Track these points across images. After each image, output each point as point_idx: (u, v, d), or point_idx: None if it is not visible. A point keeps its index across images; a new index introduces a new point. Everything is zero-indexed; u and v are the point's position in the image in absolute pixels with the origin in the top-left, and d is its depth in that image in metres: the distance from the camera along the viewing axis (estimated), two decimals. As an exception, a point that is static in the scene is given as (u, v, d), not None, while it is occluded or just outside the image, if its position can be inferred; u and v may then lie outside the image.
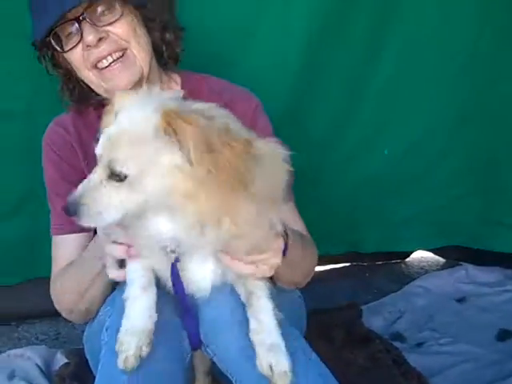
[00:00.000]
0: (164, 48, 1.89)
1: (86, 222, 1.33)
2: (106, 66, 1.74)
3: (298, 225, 1.88)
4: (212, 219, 1.31)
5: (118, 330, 1.44)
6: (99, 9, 1.72)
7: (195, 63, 2.02)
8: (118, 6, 1.73)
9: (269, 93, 2.04)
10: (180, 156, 1.26)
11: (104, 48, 1.71)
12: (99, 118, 1.85)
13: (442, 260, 3.37)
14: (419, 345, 2.58)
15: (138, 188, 1.30)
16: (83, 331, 1.89)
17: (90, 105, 1.92)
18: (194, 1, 2.29)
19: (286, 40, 2.49)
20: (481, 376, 2.33)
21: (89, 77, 1.79)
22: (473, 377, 2.33)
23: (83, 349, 1.91)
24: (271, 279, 1.63)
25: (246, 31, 2.44)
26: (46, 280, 1.86)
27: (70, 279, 1.77)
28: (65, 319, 1.86)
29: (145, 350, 1.40)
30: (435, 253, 3.38)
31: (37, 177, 2.00)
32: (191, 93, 1.69)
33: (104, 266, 1.59)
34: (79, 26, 1.70)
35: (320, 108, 2.69)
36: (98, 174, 1.32)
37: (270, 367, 1.40)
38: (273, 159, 1.37)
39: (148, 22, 1.83)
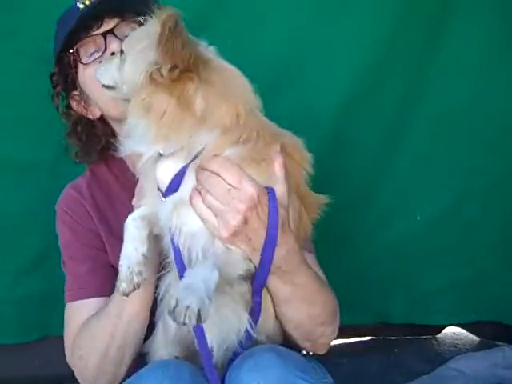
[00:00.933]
0: None
1: None
2: None
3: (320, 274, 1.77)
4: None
5: None
6: (126, 30, 1.71)
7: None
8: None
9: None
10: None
11: None
12: (115, 177, 1.89)
13: (475, 338, 3.18)
14: None
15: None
16: None
17: (95, 152, 1.89)
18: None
19: (320, 101, 2.51)
20: None
21: (102, 96, 1.73)
22: None
23: None
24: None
25: (284, 79, 2.50)
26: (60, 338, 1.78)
27: (89, 338, 1.67)
28: None
29: (135, 278, 1.42)
30: (468, 329, 3.19)
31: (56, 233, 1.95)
32: None
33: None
34: (105, 39, 1.71)
35: (352, 170, 2.67)
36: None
37: (176, 302, 1.21)
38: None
39: None
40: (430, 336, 3.21)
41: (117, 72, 1.50)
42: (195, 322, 1.18)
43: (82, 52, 1.77)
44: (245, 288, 1.48)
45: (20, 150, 2.43)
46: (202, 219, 1.40)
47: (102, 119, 1.86)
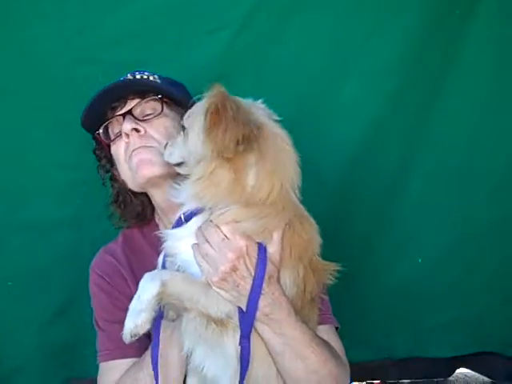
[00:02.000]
0: None
1: None
2: (136, 148, 1.87)
3: (337, 346, 1.85)
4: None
5: None
6: (145, 109, 1.90)
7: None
8: (159, 109, 1.91)
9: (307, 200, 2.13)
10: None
11: (137, 141, 1.86)
12: (148, 242, 1.99)
13: (487, 380, 3.20)
14: None
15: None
16: None
17: (132, 219, 2.03)
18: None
19: (327, 152, 2.60)
20: None
21: (125, 171, 1.92)
22: None
23: None
24: None
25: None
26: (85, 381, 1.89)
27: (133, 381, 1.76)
28: None
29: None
30: (481, 372, 3.22)
31: (79, 284, 2.10)
32: None
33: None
34: (123, 119, 1.88)
35: (356, 217, 2.76)
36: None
37: None
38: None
39: None
40: (442, 379, 3.24)
41: (183, 147, 1.65)
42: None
43: (109, 130, 1.94)
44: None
45: (46, 210, 2.59)
46: (197, 262, 1.56)
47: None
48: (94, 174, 2.16)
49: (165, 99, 1.92)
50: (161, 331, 1.62)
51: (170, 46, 2.41)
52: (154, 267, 1.88)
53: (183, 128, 1.64)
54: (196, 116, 1.59)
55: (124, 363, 1.82)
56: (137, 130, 1.86)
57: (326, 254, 1.91)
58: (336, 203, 2.70)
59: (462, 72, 2.57)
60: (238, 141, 1.47)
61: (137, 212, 2.02)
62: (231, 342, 1.58)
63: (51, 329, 2.70)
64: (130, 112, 1.88)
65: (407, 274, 2.87)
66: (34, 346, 2.69)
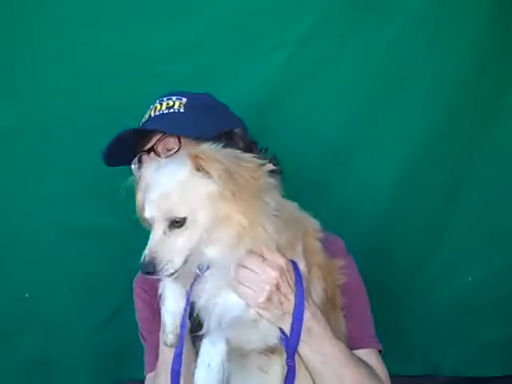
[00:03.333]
0: None
1: (163, 273, 1.46)
2: None
3: (378, 368, 1.83)
4: (248, 232, 1.49)
5: None
6: (165, 146, 1.90)
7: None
8: (175, 145, 1.89)
9: (358, 225, 2.27)
10: (213, 185, 1.47)
11: None
12: None
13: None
14: None
15: (195, 224, 1.48)
16: None
17: None
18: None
19: (377, 177, 2.67)
20: None
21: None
22: None
23: None
24: None
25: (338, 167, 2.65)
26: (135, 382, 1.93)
27: None
28: None
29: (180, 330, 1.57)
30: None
31: (130, 290, 2.12)
32: None
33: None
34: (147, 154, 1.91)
35: (408, 235, 2.77)
36: (157, 230, 1.48)
37: None
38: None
39: None
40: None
41: (188, 238, 1.52)
42: None
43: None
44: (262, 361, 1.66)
45: (101, 216, 2.67)
46: (239, 293, 1.56)
47: None
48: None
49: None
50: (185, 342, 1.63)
51: (229, 64, 2.48)
52: None
53: (178, 223, 1.48)
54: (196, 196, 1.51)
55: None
56: None
57: (374, 268, 2.03)
58: (388, 220, 2.74)
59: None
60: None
61: None
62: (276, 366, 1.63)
63: (102, 333, 2.78)
64: (152, 149, 1.91)
65: (456, 293, 2.87)
66: (84, 349, 2.77)
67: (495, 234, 2.78)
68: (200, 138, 1.79)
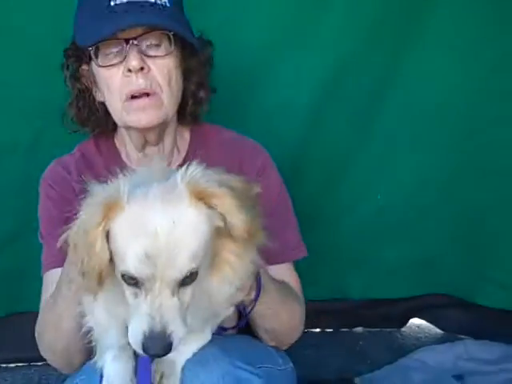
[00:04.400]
0: (190, 103, 1.86)
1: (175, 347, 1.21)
2: (137, 97, 1.69)
3: (292, 283, 1.88)
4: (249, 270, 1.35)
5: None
6: (151, 40, 1.69)
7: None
8: (167, 45, 1.71)
9: (273, 137, 2.17)
10: (218, 221, 1.24)
11: (141, 82, 1.67)
12: (104, 161, 1.89)
13: (439, 331, 3.21)
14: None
15: (201, 269, 1.24)
16: None
17: (91, 129, 1.90)
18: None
19: (297, 89, 2.59)
20: None
21: (114, 103, 1.73)
22: None
23: None
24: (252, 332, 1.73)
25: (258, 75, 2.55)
26: (31, 314, 1.76)
27: (48, 309, 1.65)
28: (39, 375, 1.70)
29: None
30: (433, 323, 3.23)
31: (30, 212, 1.97)
32: (199, 147, 1.87)
33: (77, 287, 1.44)
34: (126, 47, 1.66)
35: (320, 157, 2.74)
36: (165, 294, 1.18)
37: None
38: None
39: (188, 73, 1.82)
40: (395, 329, 3.24)
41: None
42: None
43: (101, 49, 1.71)
44: None
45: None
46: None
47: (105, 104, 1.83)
48: (58, 91, 1.94)
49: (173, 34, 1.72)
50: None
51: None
52: None
53: (189, 278, 1.22)
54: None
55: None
56: (142, 68, 1.67)
57: (289, 186, 1.97)
58: (298, 143, 2.68)
59: (440, 15, 2.55)
60: None
61: (97, 120, 1.87)
62: None
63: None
64: (136, 40, 1.66)
65: (366, 214, 2.90)
66: None
67: (407, 157, 2.79)
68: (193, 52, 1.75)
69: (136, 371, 1.39)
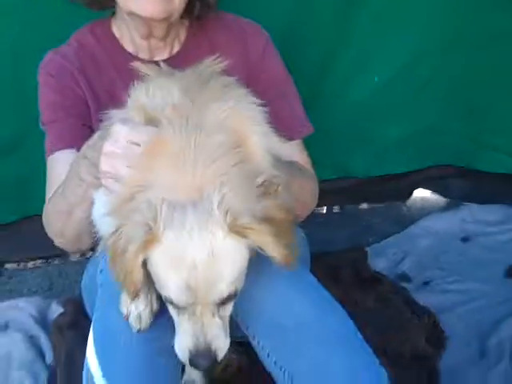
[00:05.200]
0: (198, 6, 1.78)
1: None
2: None
3: (302, 159, 1.88)
4: None
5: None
6: None
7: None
8: None
9: (266, 12, 2.08)
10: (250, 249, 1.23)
11: None
12: (103, 49, 1.83)
13: (444, 200, 3.28)
14: (426, 284, 2.54)
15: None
16: (77, 281, 1.81)
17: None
18: None
19: None
20: (492, 313, 2.30)
21: None
22: (484, 314, 2.30)
23: (79, 298, 1.83)
24: None
25: None
26: (39, 217, 1.75)
27: (58, 198, 1.64)
28: (58, 271, 1.75)
29: (155, 304, 1.39)
30: (437, 192, 3.30)
31: (29, 119, 1.97)
32: (198, 33, 1.84)
33: (88, 186, 1.46)
34: None
35: (315, 36, 2.68)
36: (205, 316, 1.22)
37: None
38: None
39: None
40: (400, 202, 3.31)
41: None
42: None
43: None
44: None
45: None
46: None
47: None
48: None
49: None
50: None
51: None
52: (109, 79, 1.79)
53: (228, 299, 1.26)
54: None
55: (67, 154, 1.70)
56: None
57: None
58: (290, 23, 2.59)
59: None
60: None
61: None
62: None
63: (1, 165, 2.59)
64: None
65: (364, 92, 2.87)
66: None
67: (399, 32, 2.73)
68: None
69: None
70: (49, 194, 1.73)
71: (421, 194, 3.32)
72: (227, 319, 1.28)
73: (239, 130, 1.31)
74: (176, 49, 1.86)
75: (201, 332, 1.22)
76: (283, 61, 1.94)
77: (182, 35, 1.87)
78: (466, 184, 3.19)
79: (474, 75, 2.84)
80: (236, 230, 1.18)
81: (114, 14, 1.85)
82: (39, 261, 2.88)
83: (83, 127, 1.75)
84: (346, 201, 3.29)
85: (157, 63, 1.71)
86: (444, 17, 2.69)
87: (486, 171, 3.08)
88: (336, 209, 3.31)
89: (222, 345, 1.24)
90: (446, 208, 3.19)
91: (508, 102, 2.89)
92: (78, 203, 1.54)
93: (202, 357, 1.22)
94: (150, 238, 1.17)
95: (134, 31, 1.78)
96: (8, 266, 2.91)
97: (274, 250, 1.20)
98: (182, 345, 1.25)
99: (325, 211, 3.30)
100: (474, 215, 2.98)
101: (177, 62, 1.67)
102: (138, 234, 1.17)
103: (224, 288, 1.21)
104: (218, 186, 1.19)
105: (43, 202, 1.76)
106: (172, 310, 1.28)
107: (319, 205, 3.14)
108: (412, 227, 2.96)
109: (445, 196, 3.28)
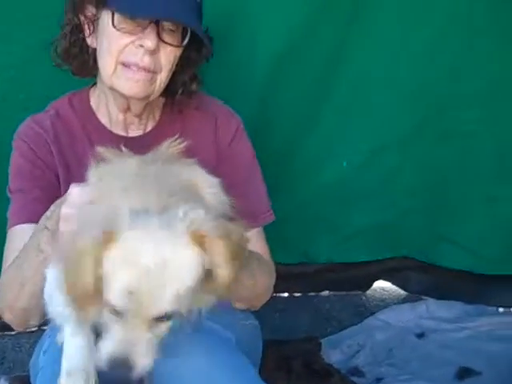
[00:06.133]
0: (180, 92, 1.86)
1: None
2: (141, 66, 1.68)
3: (261, 249, 1.88)
4: None
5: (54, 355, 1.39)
6: (169, 25, 1.68)
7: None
8: (181, 36, 1.72)
9: (236, 98, 2.13)
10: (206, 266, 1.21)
11: (147, 60, 1.66)
12: (79, 121, 1.87)
13: (403, 293, 3.31)
14: (378, 380, 2.52)
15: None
16: (30, 355, 1.77)
17: (74, 67, 1.85)
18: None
19: (255, 49, 2.57)
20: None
21: (108, 61, 1.70)
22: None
23: (28, 375, 1.76)
24: None
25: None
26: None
27: (13, 269, 1.62)
28: (11, 342, 1.71)
29: None
30: (397, 285, 3.33)
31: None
32: (172, 111, 1.90)
33: (45, 258, 1.45)
34: (147, 25, 1.65)
35: (282, 118, 2.75)
36: (140, 329, 1.16)
37: None
38: None
39: (185, 63, 1.82)
40: (360, 292, 3.33)
41: None
42: None
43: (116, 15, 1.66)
44: None
45: None
46: None
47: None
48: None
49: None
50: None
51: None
52: (82, 150, 1.82)
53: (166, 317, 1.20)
54: None
55: (29, 228, 1.67)
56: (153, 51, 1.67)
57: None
58: (261, 106, 2.68)
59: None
60: None
61: (84, 63, 1.82)
62: None
63: None
64: (158, 24, 1.65)
65: (331, 178, 2.94)
66: None
67: (367, 121, 2.82)
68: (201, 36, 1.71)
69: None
70: (4, 266, 1.72)
71: (381, 284, 3.36)
72: (160, 338, 1.20)
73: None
74: (150, 126, 1.91)
75: (127, 343, 1.15)
76: (251, 143, 1.99)
77: (157, 113, 1.92)
78: (426, 278, 3.22)
79: (436, 168, 2.92)
80: (197, 239, 1.16)
81: (94, 84, 1.90)
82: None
83: (48, 201, 1.70)
84: (307, 287, 3.30)
85: (130, 140, 1.82)
86: (410, 109, 2.79)
87: (445, 266, 3.12)
88: (297, 294, 3.31)
89: (143, 362, 1.16)
90: (404, 301, 3.21)
91: (470, 198, 2.96)
92: (32, 275, 1.52)
93: (117, 367, 1.14)
94: (108, 237, 1.14)
95: (111, 104, 1.83)
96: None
97: (226, 267, 1.18)
98: (105, 348, 1.17)
99: (286, 295, 3.31)
100: (431, 311, 3.00)
101: (150, 140, 1.75)
102: (96, 231, 1.14)
103: (168, 301, 1.14)
104: (182, 204, 1.19)
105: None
106: (107, 316, 1.20)
107: (280, 290, 3.21)
108: (370, 319, 2.97)
109: (404, 289, 3.31)
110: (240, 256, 1.24)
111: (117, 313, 1.16)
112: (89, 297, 1.17)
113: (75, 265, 1.16)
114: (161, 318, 1.17)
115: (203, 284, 1.21)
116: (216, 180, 1.40)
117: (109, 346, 1.16)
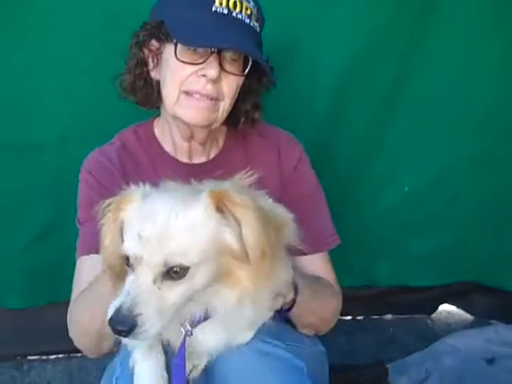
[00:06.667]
0: (242, 121, 1.90)
1: (140, 336, 1.19)
2: (203, 95, 1.72)
3: (327, 274, 1.91)
4: (250, 298, 1.30)
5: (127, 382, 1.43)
6: (231, 54, 1.72)
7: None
8: (242, 65, 1.76)
9: (299, 125, 2.16)
10: (232, 235, 1.23)
11: (209, 88, 1.70)
12: (144, 150, 1.92)
13: (469, 317, 3.25)
14: (449, 408, 2.47)
15: (194, 277, 1.22)
16: (97, 377, 1.80)
17: (139, 99, 1.90)
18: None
19: (317, 76, 2.59)
20: None
21: (171, 90, 1.75)
22: None
23: None
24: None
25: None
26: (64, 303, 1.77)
27: (85, 294, 1.66)
28: (79, 365, 1.75)
29: None
30: (462, 308, 3.27)
31: (62, 208, 2.11)
32: (236, 137, 1.94)
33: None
34: (210, 55, 1.69)
35: (345, 144, 2.76)
36: (145, 277, 1.18)
37: None
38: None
39: (247, 92, 1.86)
40: (425, 315, 3.28)
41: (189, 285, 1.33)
42: None
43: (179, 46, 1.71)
44: None
45: (26, 132, 2.44)
46: None
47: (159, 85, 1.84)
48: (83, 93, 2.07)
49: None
50: None
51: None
52: (148, 180, 1.82)
53: (176, 273, 1.20)
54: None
55: (96, 259, 1.67)
56: (216, 80, 1.71)
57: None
58: (323, 133, 2.69)
59: (451, 7, 2.54)
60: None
61: (148, 95, 1.87)
62: None
63: (34, 251, 2.64)
64: (220, 53, 1.70)
65: (393, 203, 2.91)
66: (16, 268, 2.65)
67: (430, 147, 2.79)
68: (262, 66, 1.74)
69: (167, 367, 1.44)
70: (74, 294, 1.76)
71: (446, 308, 3.29)
72: (168, 302, 1.20)
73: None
74: (213, 153, 1.94)
75: (133, 290, 1.17)
76: (314, 168, 2.01)
77: (221, 140, 1.96)
78: (493, 302, 3.16)
79: (502, 192, 2.87)
80: (216, 196, 1.21)
81: (158, 115, 1.95)
82: (61, 354, 2.89)
83: None
84: (370, 310, 3.28)
85: (194, 166, 1.86)
86: (474, 134, 2.76)
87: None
88: (360, 318, 3.29)
89: (148, 316, 1.16)
90: (471, 325, 3.14)
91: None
92: (107, 297, 1.57)
93: (121, 316, 1.15)
94: (126, 199, 1.28)
95: (175, 133, 1.87)
96: (30, 357, 2.90)
97: (252, 228, 1.19)
98: (113, 304, 1.19)
99: (349, 318, 3.28)
100: (501, 336, 2.91)
101: (213, 167, 1.79)
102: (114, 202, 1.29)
103: (174, 251, 1.17)
104: None
105: (70, 288, 1.79)
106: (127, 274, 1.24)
107: (343, 313, 3.18)
108: (436, 344, 2.90)
109: (470, 313, 3.24)
110: (268, 224, 1.22)
111: (131, 266, 1.21)
112: (120, 262, 1.24)
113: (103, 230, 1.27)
114: (169, 276, 1.19)
115: (233, 253, 1.22)
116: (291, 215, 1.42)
117: (117, 300, 1.19)
